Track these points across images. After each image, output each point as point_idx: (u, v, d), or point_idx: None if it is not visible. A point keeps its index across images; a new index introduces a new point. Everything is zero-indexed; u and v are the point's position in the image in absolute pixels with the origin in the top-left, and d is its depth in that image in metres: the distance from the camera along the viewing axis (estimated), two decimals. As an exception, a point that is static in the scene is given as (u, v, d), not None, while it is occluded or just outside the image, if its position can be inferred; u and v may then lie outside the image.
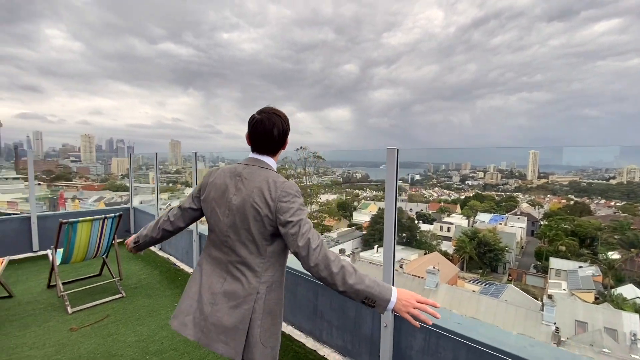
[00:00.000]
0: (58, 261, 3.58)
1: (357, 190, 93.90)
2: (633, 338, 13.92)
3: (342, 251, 34.02)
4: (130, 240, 1.75)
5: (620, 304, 20.20)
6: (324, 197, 55.77)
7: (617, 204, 73.33)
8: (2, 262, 3.61)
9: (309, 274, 1.42)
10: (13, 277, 4.34)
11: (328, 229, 46.12)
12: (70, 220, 3.38)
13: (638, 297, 21.27)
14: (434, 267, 19.79)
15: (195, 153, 4.73)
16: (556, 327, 14.04)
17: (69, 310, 3.42)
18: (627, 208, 63.98)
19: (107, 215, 3.65)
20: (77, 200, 60.60)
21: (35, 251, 5.32)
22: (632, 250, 30.32)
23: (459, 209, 67.69)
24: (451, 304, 17.62)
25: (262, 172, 1.38)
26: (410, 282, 20.34)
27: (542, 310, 18.27)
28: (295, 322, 3.18)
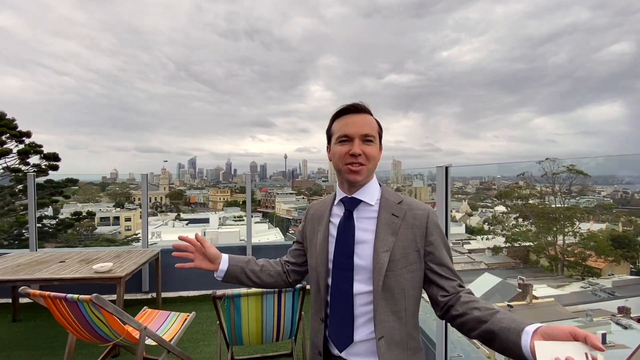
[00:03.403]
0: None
1: (645, 219, 63.13)
2: None
3: (624, 310, 22.75)
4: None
5: None
6: (584, 226, 41.00)
7: None
8: (185, 318, 2.74)
9: None
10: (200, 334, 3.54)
11: (595, 272, 32.81)
12: (228, 293, 2.22)
13: None
14: None
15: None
16: None
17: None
18: None
19: (285, 289, 2.35)
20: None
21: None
22: None
23: None
24: None
25: None
26: None
27: None
28: None
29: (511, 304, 22.82)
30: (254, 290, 2.29)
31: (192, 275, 4.54)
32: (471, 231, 55.03)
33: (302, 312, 2.55)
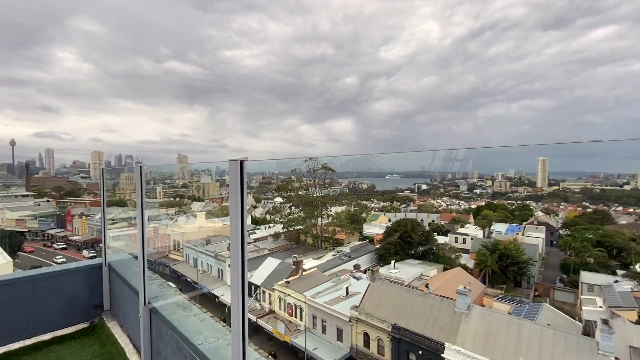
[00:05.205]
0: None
1: (364, 201, 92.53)
2: None
3: (357, 267, 32.41)
4: None
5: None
6: (333, 209, 54.39)
7: (636, 210, 70.97)
8: None
9: None
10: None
11: (340, 242, 44.54)
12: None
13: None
14: (465, 287, 18.19)
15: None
16: (616, 358, 12.39)
17: None
18: (649, 215, 61.77)
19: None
20: (84, 217, 59.96)
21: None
22: (675, 263, 28.39)
23: (472, 219, 65.80)
24: (488, 331, 15.97)
25: None
26: (439, 304, 18.73)
27: (588, 334, 16.52)
28: None
29: (289, 280, 26.81)
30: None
31: None
32: (256, 222, 60.25)
33: None
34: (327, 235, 46.44)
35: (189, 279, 35.58)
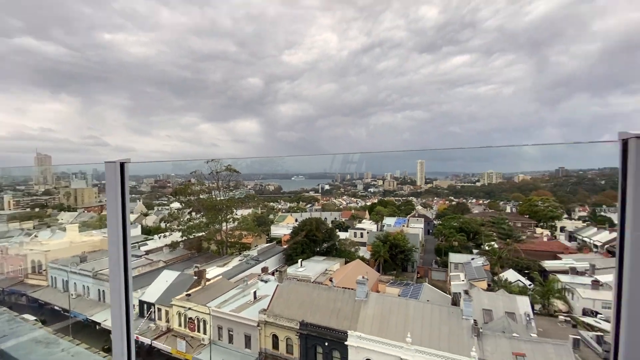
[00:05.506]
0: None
1: (271, 203, 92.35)
2: (527, 318, 16.64)
3: (265, 270, 32.05)
4: None
5: (509, 287, 24.32)
6: (239, 212, 52.44)
7: (484, 201, 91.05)
8: None
9: None
10: None
11: (247, 247, 43.23)
12: None
13: (519, 280, 26.04)
14: (363, 277, 20.00)
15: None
16: (474, 320, 15.64)
17: None
18: (491, 205, 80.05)
19: None
20: None
21: None
22: (508, 240, 37.48)
23: (367, 215, 72.98)
24: (383, 313, 17.99)
25: None
26: (342, 296, 20.11)
27: (455, 304, 20.25)
28: None
29: (190, 292, 24.60)
30: None
31: None
32: (148, 231, 53.28)
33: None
34: (233, 240, 44.49)
35: (56, 307, 29.01)
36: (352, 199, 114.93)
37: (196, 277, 26.59)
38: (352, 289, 20.85)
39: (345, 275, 28.06)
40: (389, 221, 60.49)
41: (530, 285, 27.21)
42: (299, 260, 34.28)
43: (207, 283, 26.45)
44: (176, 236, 43.61)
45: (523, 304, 19.16)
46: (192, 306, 23.09)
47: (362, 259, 39.45)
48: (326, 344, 18.61)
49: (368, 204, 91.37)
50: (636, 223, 0.96)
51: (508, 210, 67.89)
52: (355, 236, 50.54)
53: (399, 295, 23.23)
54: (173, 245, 41.44)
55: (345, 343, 17.47)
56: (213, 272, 30.96)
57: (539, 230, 50.07)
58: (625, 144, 1.01)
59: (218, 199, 47.96)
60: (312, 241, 40.25)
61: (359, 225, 58.11)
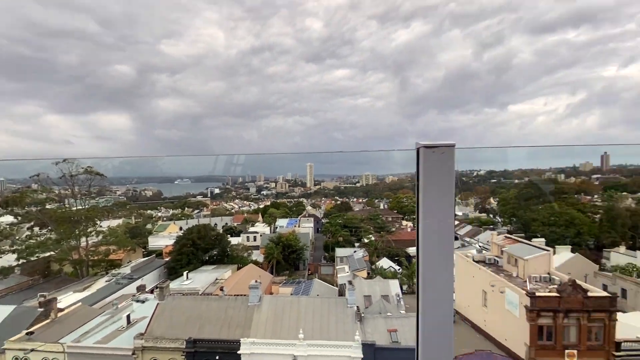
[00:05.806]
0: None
1: (149, 211, 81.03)
2: (398, 298, 19.65)
3: (141, 288, 27.81)
4: None
5: (383, 273, 28.18)
6: (105, 224, 44.03)
7: (363, 200, 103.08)
8: None
9: None
10: None
11: (116, 264, 36.54)
12: None
13: (391, 266, 30.46)
14: (255, 281, 19.72)
15: None
16: (357, 307, 17.49)
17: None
18: (369, 202, 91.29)
19: None
20: None
21: None
22: (382, 232, 43.41)
23: (260, 218, 72.50)
24: (276, 315, 18.12)
25: None
26: (234, 304, 19.29)
27: (342, 294, 22.15)
28: None
29: (32, 330, 19.17)
30: None
31: None
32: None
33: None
34: (96, 257, 37.09)
35: None
36: (245, 202, 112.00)
37: (42, 309, 21.01)
38: (245, 295, 20.29)
39: (237, 281, 27.09)
40: (282, 222, 61.57)
41: (399, 269, 32.26)
42: (185, 273, 31.26)
43: (60, 314, 21.27)
44: (8, 259, 33.55)
45: (394, 286, 22.61)
46: (37, 346, 18.12)
47: (256, 262, 38.90)
48: (217, 357, 17.53)
49: (261, 206, 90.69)
50: (424, 213, 1.27)
51: (382, 206, 78.54)
52: (248, 240, 49.38)
53: (291, 294, 23.88)
54: (3, 272, 31.75)
55: (238, 352, 16.85)
56: (68, 299, 25.16)
57: (404, 222, 59.78)
58: (418, 151, 1.28)
59: (74, 208, 39.43)
60: (199, 250, 37.28)
61: (252, 229, 57.05)
